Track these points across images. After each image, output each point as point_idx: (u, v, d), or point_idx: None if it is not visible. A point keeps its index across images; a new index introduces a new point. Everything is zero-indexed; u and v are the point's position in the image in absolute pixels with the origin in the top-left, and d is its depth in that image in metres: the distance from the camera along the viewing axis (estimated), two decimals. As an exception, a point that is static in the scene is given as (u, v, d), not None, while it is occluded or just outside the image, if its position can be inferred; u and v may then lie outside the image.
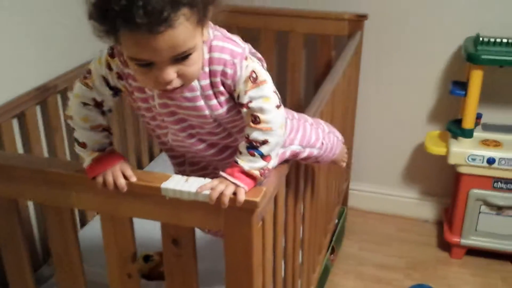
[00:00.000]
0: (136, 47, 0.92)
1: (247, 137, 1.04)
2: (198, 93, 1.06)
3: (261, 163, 1.04)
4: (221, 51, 1.03)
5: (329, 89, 1.65)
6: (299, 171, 1.44)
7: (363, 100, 2.45)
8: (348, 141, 2.44)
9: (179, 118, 1.13)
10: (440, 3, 2.23)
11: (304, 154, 1.31)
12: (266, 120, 1.03)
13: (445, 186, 2.49)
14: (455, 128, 2.21)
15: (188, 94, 1.07)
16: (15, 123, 1.60)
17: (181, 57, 0.95)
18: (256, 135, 1.03)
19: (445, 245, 2.39)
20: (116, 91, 1.12)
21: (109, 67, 1.07)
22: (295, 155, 1.28)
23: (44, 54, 1.73)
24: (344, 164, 1.63)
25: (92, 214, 1.91)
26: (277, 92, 1.07)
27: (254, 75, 1.04)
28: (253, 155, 1.04)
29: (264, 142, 1.04)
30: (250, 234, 1.02)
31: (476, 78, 2.06)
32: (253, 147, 1.04)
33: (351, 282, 2.24)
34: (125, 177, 1.05)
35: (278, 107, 1.05)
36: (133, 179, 1.05)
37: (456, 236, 2.30)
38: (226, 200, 0.98)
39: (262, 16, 2.34)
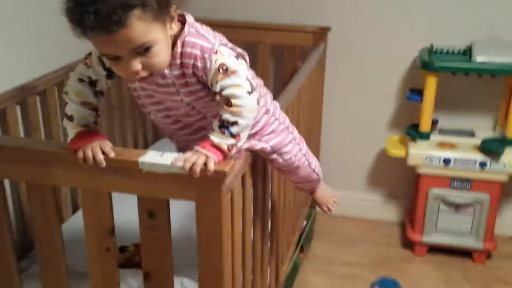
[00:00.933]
0: (100, 45, 1.07)
1: (220, 117, 1.16)
2: (170, 81, 1.19)
3: (230, 140, 1.15)
4: (192, 46, 1.16)
5: (294, 88, 1.78)
6: (267, 164, 1.55)
7: (328, 107, 2.60)
8: (315, 147, 2.57)
9: (156, 101, 1.26)
10: (398, 17, 2.41)
11: (271, 156, 1.42)
12: (237, 104, 1.15)
13: (407, 189, 2.63)
14: (413, 132, 2.36)
15: (161, 81, 1.19)
16: (-4, 120, 1.68)
17: (142, 50, 1.07)
18: (227, 116, 1.15)
19: (408, 244, 2.51)
20: (110, 73, 1.23)
21: None
22: (263, 152, 1.40)
23: (25, 56, 1.82)
24: (326, 209, 1.78)
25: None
26: (251, 80, 1.19)
27: (224, 67, 1.16)
28: (223, 133, 1.15)
29: (234, 123, 1.15)
30: (219, 202, 1.12)
31: (431, 84, 2.22)
32: (224, 126, 1.15)
33: (320, 280, 2.33)
34: (104, 153, 1.15)
35: (249, 93, 1.16)
36: (112, 154, 1.14)
37: (418, 234, 2.43)
38: (197, 168, 1.08)
39: (231, 29, 2.45)
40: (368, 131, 2.62)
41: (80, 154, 1.14)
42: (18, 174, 1.24)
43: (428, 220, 2.39)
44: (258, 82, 1.39)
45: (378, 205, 2.74)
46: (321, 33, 2.41)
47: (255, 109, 1.19)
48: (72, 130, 1.19)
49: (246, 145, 1.30)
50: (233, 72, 1.16)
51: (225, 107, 1.15)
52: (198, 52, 1.16)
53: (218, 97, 1.17)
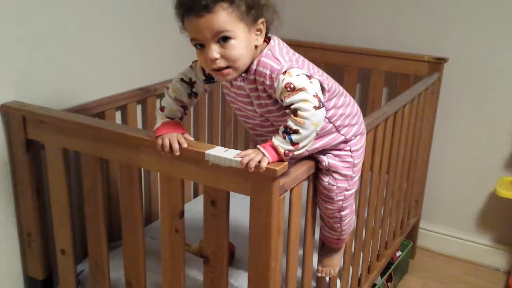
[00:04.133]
0: (190, 29, 1.24)
1: (286, 123, 1.26)
2: (245, 92, 1.34)
3: (289, 146, 1.24)
4: (264, 66, 1.29)
5: (385, 112, 1.81)
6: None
7: (439, 139, 2.54)
8: (420, 180, 2.54)
9: (238, 107, 1.41)
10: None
11: (322, 172, 1.46)
12: (303, 116, 1.24)
13: (520, 235, 2.46)
14: (526, 173, 2.22)
15: (238, 91, 1.35)
16: (118, 114, 1.95)
17: (221, 38, 1.22)
18: (291, 124, 1.25)
19: (511, 294, 2.35)
20: (208, 79, 1.42)
21: None
22: (319, 164, 1.44)
23: (151, 62, 2.09)
24: (320, 270, 1.66)
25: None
26: (320, 96, 1.27)
27: (291, 86, 1.25)
28: (284, 138, 1.25)
29: (296, 131, 1.24)
30: (270, 199, 1.21)
31: (548, 123, 2.09)
32: (286, 132, 1.25)
33: (407, 313, 2.28)
34: (180, 144, 1.31)
35: (316, 108, 1.25)
36: (185, 145, 1.30)
37: (521, 284, 2.26)
38: (252, 164, 1.19)
39: (347, 54, 2.55)
40: (480, 169, 2.51)
41: (159, 141, 1.31)
42: (112, 155, 1.45)
43: (534, 271, 2.22)
44: (351, 111, 1.45)
45: (486, 249, 2.60)
46: (438, 63, 2.39)
47: (320, 124, 1.27)
48: (160, 119, 1.38)
49: (306, 153, 1.38)
50: (300, 89, 1.25)
51: (292, 116, 1.25)
52: (268, 72, 1.28)
53: (288, 111, 1.27)
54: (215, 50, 1.23)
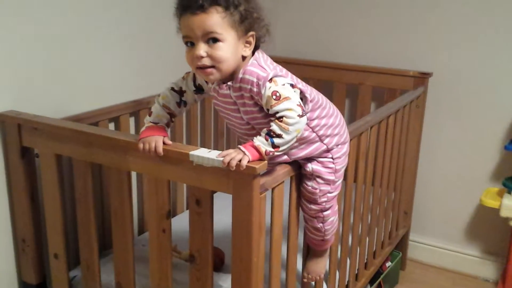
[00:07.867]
0: (184, 27, 1.32)
1: (269, 127, 1.33)
2: (232, 100, 1.41)
3: (269, 148, 1.31)
4: (251, 74, 1.37)
5: (368, 121, 1.88)
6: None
7: (426, 152, 2.60)
8: (408, 191, 2.59)
9: (226, 116, 1.49)
10: (503, 66, 2.38)
11: (305, 176, 1.52)
12: (288, 122, 1.32)
13: (507, 246, 2.50)
14: (509, 183, 2.27)
15: (224, 99, 1.42)
16: (111, 126, 2.02)
17: (211, 39, 1.29)
18: (275, 128, 1.32)
19: (499, 303, 2.38)
20: (198, 90, 1.50)
21: None
22: (303, 169, 1.51)
23: (145, 75, 2.17)
24: (305, 275, 1.71)
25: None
26: (302, 104, 1.35)
27: (277, 94, 1.33)
28: (266, 139, 1.32)
29: (279, 136, 1.31)
30: (250, 197, 1.27)
31: (529, 133, 2.15)
32: (269, 135, 1.32)
33: (396, 322, 2.31)
34: (165, 144, 1.38)
35: (300, 116, 1.33)
36: (169, 142, 1.38)
37: (509, 293, 2.29)
38: (233, 163, 1.25)
39: (335, 70, 2.64)
40: (467, 181, 2.57)
41: (140, 144, 1.39)
42: (102, 159, 1.52)
43: (520, 279, 2.25)
44: (333, 122, 1.52)
45: (474, 260, 2.64)
46: (422, 78, 2.47)
47: (301, 130, 1.35)
48: (145, 124, 1.45)
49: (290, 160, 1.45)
50: (286, 98, 1.33)
51: (277, 121, 1.32)
52: (255, 80, 1.35)
53: (272, 118, 1.34)
54: (202, 49, 1.30)
